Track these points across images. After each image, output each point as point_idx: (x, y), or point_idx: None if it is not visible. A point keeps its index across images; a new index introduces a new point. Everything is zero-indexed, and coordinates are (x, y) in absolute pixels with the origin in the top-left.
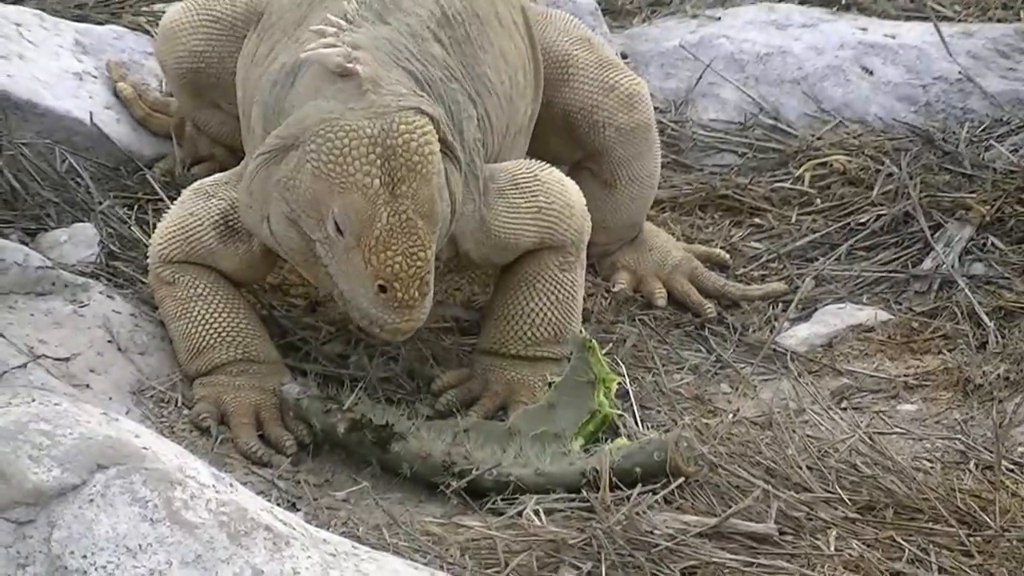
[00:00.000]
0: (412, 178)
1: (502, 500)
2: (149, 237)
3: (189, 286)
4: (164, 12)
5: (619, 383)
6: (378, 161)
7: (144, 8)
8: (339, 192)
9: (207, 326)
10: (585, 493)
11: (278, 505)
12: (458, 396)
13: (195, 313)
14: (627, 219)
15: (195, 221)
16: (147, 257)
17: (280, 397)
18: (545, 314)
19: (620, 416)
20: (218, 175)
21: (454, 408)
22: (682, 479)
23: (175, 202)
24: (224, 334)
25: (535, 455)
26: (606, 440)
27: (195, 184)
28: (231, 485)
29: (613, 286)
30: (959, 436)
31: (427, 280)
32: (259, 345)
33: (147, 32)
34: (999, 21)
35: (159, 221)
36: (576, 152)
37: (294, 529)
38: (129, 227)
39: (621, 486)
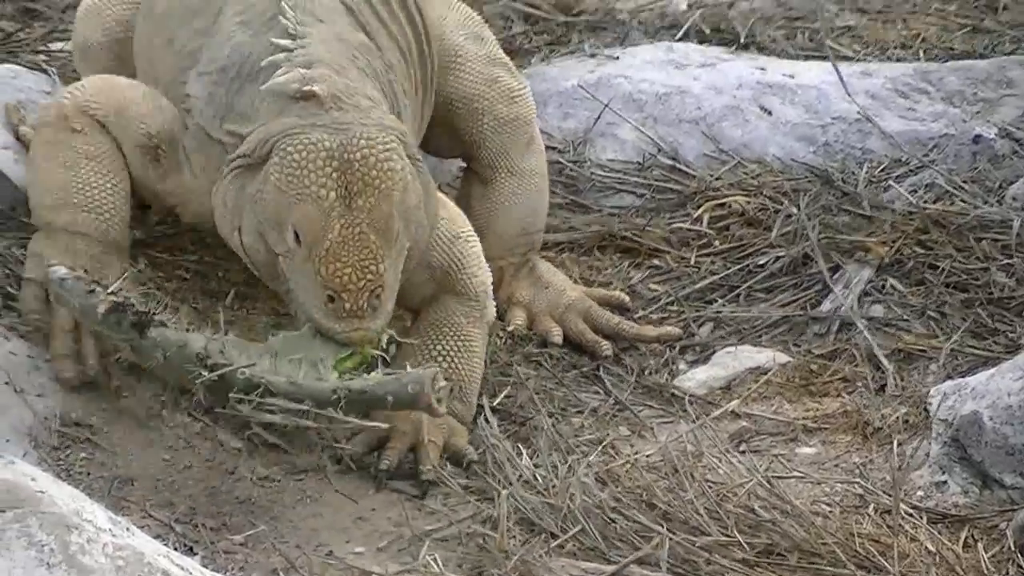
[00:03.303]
0: (369, 192)
1: (248, 402)
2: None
3: (92, 143)
4: (62, 52)
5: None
6: (334, 174)
7: (42, 47)
8: (296, 203)
9: (87, 189)
10: (483, 540)
11: (175, 549)
12: (365, 440)
13: (84, 171)
14: (515, 225)
15: (130, 95)
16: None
17: (45, 280)
18: (450, 362)
19: (382, 358)
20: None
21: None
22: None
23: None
24: (97, 206)
25: (290, 370)
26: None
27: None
28: (128, 529)
29: (508, 324)
30: (858, 479)
31: (377, 294)
32: (120, 231)
33: (44, 71)
34: (898, 61)
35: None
36: (456, 145)
37: (191, 573)
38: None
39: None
